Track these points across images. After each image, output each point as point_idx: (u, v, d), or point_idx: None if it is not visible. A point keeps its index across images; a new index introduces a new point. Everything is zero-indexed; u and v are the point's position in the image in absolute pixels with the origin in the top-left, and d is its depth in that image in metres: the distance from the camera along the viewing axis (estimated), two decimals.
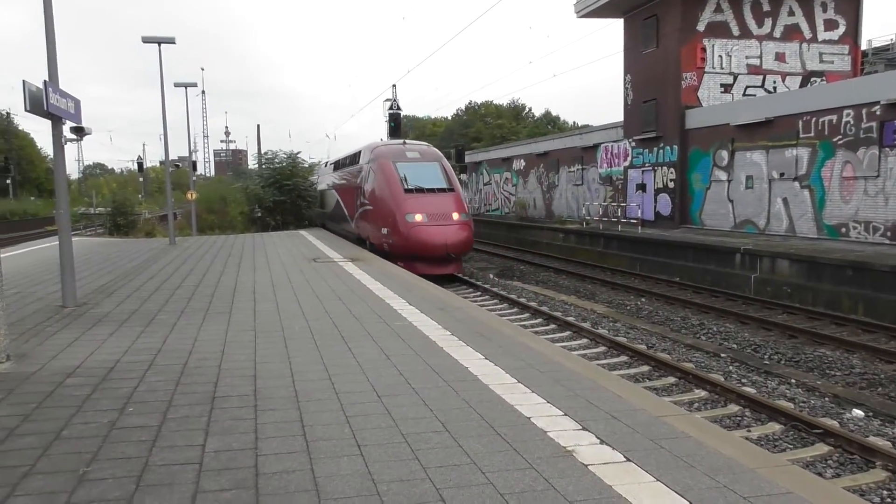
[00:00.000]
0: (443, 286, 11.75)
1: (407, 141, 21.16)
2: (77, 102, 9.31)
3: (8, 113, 68.51)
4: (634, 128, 25.26)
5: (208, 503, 3.17)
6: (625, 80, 25.92)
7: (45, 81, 8.27)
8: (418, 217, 16.54)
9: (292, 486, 3.34)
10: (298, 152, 31.10)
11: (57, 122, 8.69)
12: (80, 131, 9.41)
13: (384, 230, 17.34)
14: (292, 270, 12.59)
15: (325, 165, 29.41)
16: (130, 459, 3.69)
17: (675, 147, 23.00)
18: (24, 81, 7.86)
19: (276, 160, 30.29)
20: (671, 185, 23.37)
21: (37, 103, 8.05)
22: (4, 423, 4.33)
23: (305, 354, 6.06)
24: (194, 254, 16.72)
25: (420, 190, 17.16)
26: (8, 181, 63.57)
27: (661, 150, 23.93)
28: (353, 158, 22.32)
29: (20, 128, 71.43)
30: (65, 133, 9.00)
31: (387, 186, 17.55)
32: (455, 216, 16.92)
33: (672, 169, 23.27)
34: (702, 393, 8.31)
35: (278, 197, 28.81)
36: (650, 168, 24.62)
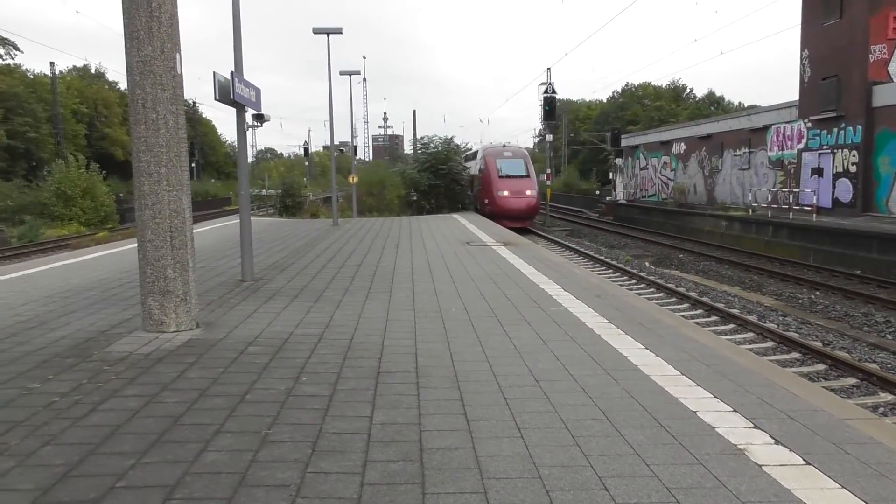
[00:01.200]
0: (549, 249, 11.49)
1: (506, 144, 31.60)
2: (258, 91, 10.04)
3: (194, 102, 75.51)
4: (811, 107, 23.26)
5: (377, 472, 3.32)
6: (801, 55, 23.91)
7: (231, 72, 8.98)
8: (505, 193, 26.77)
9: (455, 463, 3.42)
10: (452, 137, 31.77)
11: (241, 109, 9.43)
12: (260, 118, 10.15)
13: (486, 200, 27.66)
14: (447, 253, 12.87)
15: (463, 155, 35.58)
16: (305, 426, 3.96)
17: (860, 127, 20.92)
18: (214, 73, 8.59)
19: (432, 145, 31.04)
20: (853, 168, 21.31)
21: (224, 92, 8.77)
22: (197, 384, 4.79)
23: (463, 336, 6.18)
24: (355, 235, 17.57)
25: (508, 176, 27.27)
26: (192, 165, 70.21)
27: (841, 131, 21.87)
28: (474, 155, 32.91)
29: (203, 115, 78.57)
30: (247, 120, 9.75)
31: (489, 173, 27.74)
32: (528, 192, 27.24)
33: (854, 151, 21.21)
34: (888, 397, 7.56)
35: (433, 181, 29.53)
36: (828, 150, 22.59)
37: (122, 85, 79.82)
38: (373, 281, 9.59)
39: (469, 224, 20.47)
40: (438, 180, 29.62)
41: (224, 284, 9.34)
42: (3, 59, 56.02)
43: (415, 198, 30.54)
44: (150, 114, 6.25)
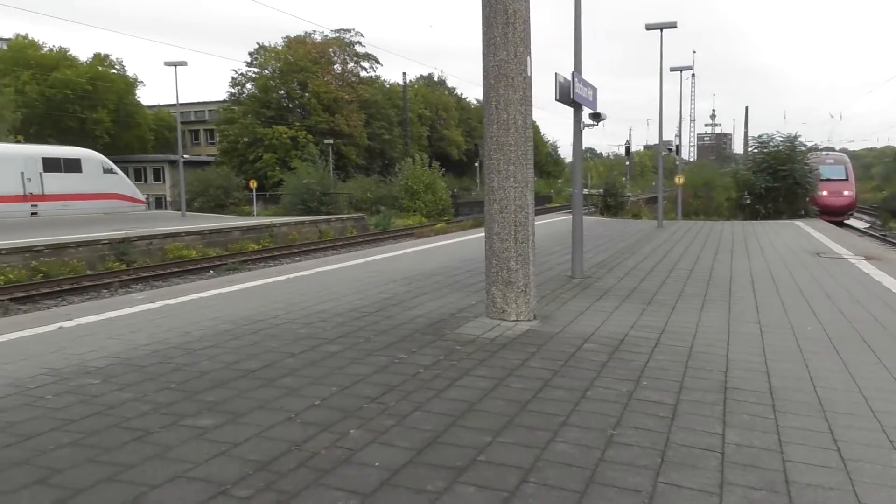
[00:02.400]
0: None
1: (829, 153, 37.56)
2: (594, 90, 10.12)
3: None
4: None
5: (737, 497, 3.06)
6: None
7: (572, 73, 9.17)
8: (825, 193, 30.10)
9: None
10: (797, 135, 28.42)
11: (578, 109, 9.59)
12: (596, 117, 10.21)
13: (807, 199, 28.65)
14: (792, 263, 11.59)
15: None
16: (652, 432, 3.83)
17: None
18: (555, 74, 8.85)
19: (771, 143, 28.26)
20: None
21: (565, 93, 8.99)
22: (539, 374, 4.96)
23: (823, 359, 5.46)
24: (682, 238, 16.80)
25: (829, 180, 31.16)
26: (476, 164, 73.86)
27: None
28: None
29: None
30: (583, 119, 9.88)
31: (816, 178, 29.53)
32: (845, 193, 31.65)
33: None
34: None
35: (771, 183, 26.91)
36: None
37: (460, 90, 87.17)
38: (707, 288, 9.03)
39: (816, 232, 18.22)
40: (777, 182, 26.86)
41: (554, 279, 9.61)
42: (367, 72, 64.98)
43: (748, 201, 28.15)
44: (501, 114, 6.64)
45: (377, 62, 64.90)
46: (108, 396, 4.42)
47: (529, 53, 6.71)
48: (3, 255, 15.40)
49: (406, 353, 5.45)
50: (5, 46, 59.53)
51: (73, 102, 53.90)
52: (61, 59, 56.56)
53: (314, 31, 61.79)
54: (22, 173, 28.29)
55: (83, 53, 75.22)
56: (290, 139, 54.21)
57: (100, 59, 59.64)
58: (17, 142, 44.52)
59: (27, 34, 59.34)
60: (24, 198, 28.58)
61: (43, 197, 29.06)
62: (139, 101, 63.57)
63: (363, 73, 64.03)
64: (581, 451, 3.55)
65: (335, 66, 61.16)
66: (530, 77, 6.73)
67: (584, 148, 10.21)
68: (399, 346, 5.68)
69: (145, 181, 59.78)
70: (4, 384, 4.73)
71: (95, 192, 31.17)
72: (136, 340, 6.04)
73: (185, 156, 37.01)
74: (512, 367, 5.11)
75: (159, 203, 55.26)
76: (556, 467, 3.35)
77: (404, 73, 78.34)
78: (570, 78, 9.16)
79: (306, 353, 5.48)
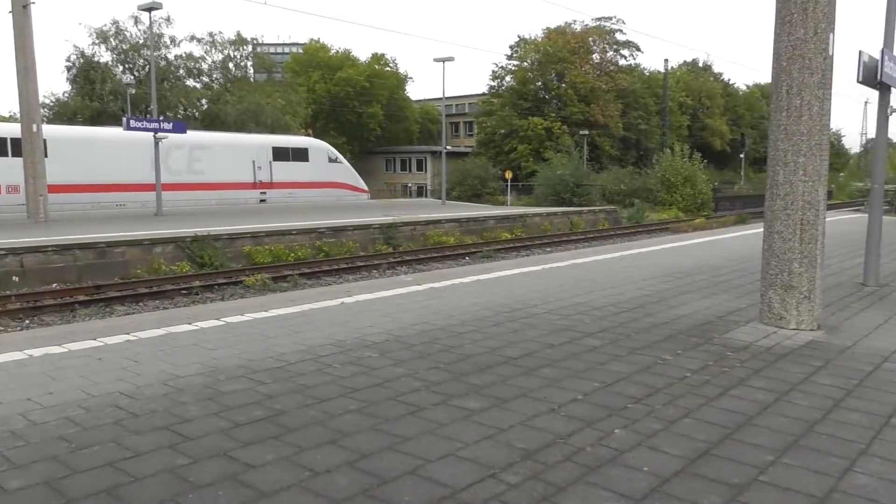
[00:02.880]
0: None
1: None
2: None
3: None
4: None
5: None
6: None
7: (881, 50, 7.96)
8: None
9: None
10: None
11: (885, 91, 8.31)
12: None
13: None
14: None
15: None
16: None
17: None
18: (859, 52, 7.75)
19: None
20: None
21: (870, 74, 7.84)
22: (828, 391, 4.39)
23: None
24: None
25: None
26: (741, 155, 66.64)
27: None
28: None
29: None
30: (892, 103, 8.55)
31: None
32: None
33: None
34: None
35: None
36: None
37: (727, 76, 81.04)
38: None
39: None
40: None
41: (841, 286, 8.49)
42: (626, 60, 63.20)
43: None
44: (793, 100, 5.96)
45: (637, 49, 63.04)
46: (385, 370, 4.79)
47: (833, 30, 5.94)
48: (294, 235, 17.64)
49: (670, 355, 5.16)
50: (301, 51, 68.11)
51: (353, 98, 60.00)
52: (345, 59, 63.25)
53: (574, 20, 61.71)
54: (253, 162, 29.09)
55: (363, 53, 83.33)
56: (544, 130, 54.86)
57: (377, 58, 65.63)
58: (307, 135, 50.78)
59: (318, 38, 67.29)
60: (255, 185, 29.40)
61: (271, 185, 29.76)
62: (408, 96, 68.83)
63: (622, 62, 62.59)
64: (889, 489, 3.06)
65: (594, 56, 60.51)
66: (832, 57, 5.96)
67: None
68: (662, 347, 5.40)
69: (409, 170, 64.72)
70: (301, 349, 5.37)
71: (320, 181, 31.52)
72: (406, 319, 6.49)
73: (447, 147, 39.29)
74: (794, 380, 4.59)
75: (420, 191, 59.43)
76: (857, 502, 2.92)
77: (666, 60, 74.82)
78: (877, 56, 7.96)
79: (566, 346, 5.45)
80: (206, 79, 49.78)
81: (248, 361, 5.03)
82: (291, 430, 3.67)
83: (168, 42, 45.81)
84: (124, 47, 45.19)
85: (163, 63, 44.77)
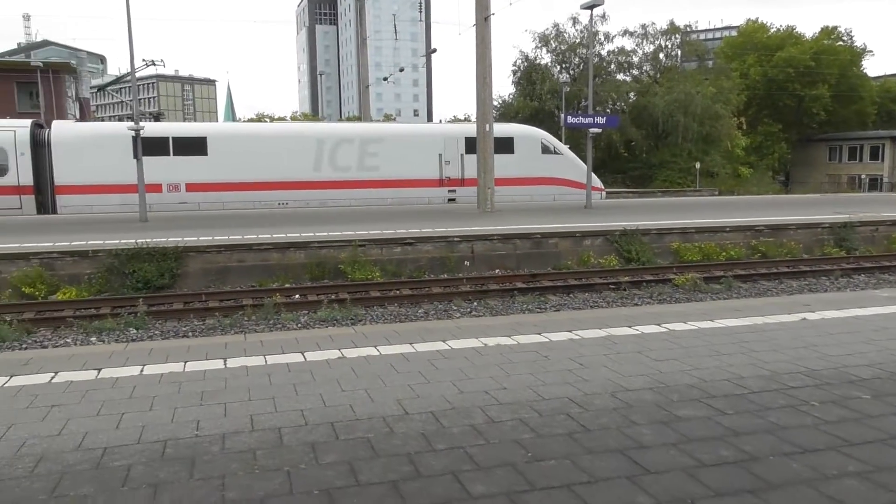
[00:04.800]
0: None
1: None
2: None
3: None
4: None
5: None
6: None
7: None
8: None
9: None
10: None
11: None
12: None
13: None
14: None
15: None
16: None
17: None
18: None
19: None
20: None
21: None
22: None
23: None
24: None
25: None
26: None
27: None
28: None
29: None
30: None
31: None
32: None
33: None
34: None
35: None
36: None
37: None
38: None
39: None
40: None
41: None
42: None
43: None
44: None
45: None
46: (888, 422, 3.71)
47: None
48: (727, 233, 16.32)
49: None
50: (735, 33, 63.81)
51: (793, 81, 53.92)
52: (787, 37, 57.14)
53: None
54: (440, 155, 25.50)
55: (809, 29, 74.37)
56: None
57: (826, 32, 57.78)
58: (739, 124, 47.34)
59: (757, 18, 62.10)
60: (441, 182, 25.65)
61: (462, 181, 25.60)
62: (864, 73, 59.14)
63: None
64: None
65: None
66: None
67: None
68: None
69: (859, 160, 55.66)
70: (762, 374, 4.57)
71: (529, 177, 26.56)
72: (883, 349, 5.13)
73: None
74: None
75: (873, 184, 50.67)
76: None
77: None
78: None
79: None
80: (635, 71, 50.19)
81: (701, 381, 4.44)
82: (773, 487, 2.97)
83: (602, 39, 47.37)
84: (562, 48, 48.22)
85: (596, 59, 46.49)
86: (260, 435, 3.60)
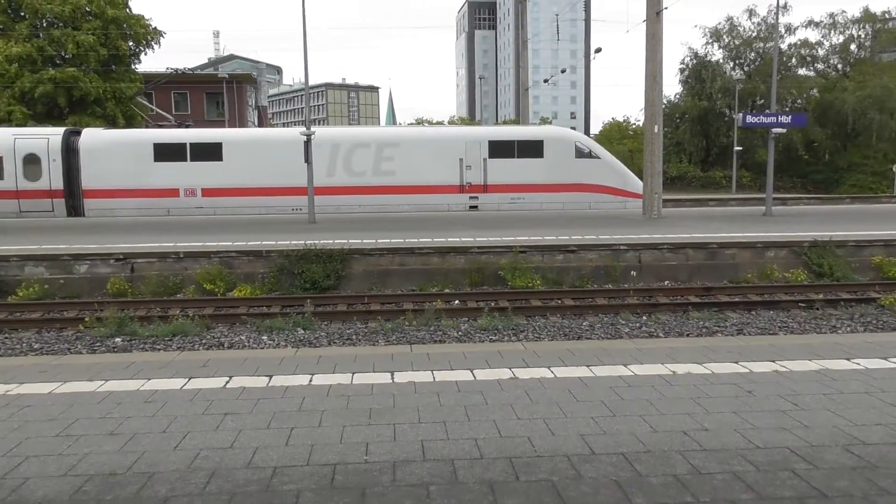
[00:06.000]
0: None
1: None
2: None
3: None
4: None
5: None
6: None
7: None
8: None
9: None
10: None
11: None
12: None
13: None
14: None
15: None
16: None
17: None
18: None
19: None
20: None
21: None
22: None
23: None
24: None
25: None
26: None
27: None
28: None
29: None
30: None
31: None
32: None
33: None
34: None
35: None
36: None
37: None
38: None
39: None
40: None
41: None
42: None
43: None
44: None
45: None
46: None
47: None
48: None
49: None
50: None
51: None
52: None
53: None
54: (460, 160, 24.30)
55: None
56: None
57: None
58: None
59: None
60: (461, 188, 24.44)
61: (485, 188, 24.42)
62: None
63: None
64: None
65: None
66: None
67: None
68: None
69: None
70: None
71: (561, 183, 24.81)
72: None
73: None
74: None
75: None
76: None
77: None
78: None
79: None
80: (819, 65, 45.86)
81: None
82: None
83: (783, 31, 43.74)
84: (736, 43, 45.08)
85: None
86: (432, 466, 3.28)
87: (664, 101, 47.34)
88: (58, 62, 31.57)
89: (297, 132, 21.91)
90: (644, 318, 10.84)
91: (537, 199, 24.14)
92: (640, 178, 22.68)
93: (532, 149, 24.28)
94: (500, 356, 5.36)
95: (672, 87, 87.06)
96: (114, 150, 22.03)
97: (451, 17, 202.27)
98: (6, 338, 9.25)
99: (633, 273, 13.50)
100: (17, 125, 26.79)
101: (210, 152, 22.77)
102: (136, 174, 22.00)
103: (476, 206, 24.10)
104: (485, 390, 4.48)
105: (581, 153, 24.82)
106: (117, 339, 8.98)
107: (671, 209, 22.43)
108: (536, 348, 5.71)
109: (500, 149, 23.57)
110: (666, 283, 13.30)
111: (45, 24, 31.61)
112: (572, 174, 24.48)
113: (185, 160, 22.49)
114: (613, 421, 3.90)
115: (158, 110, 31.84)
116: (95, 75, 31.56)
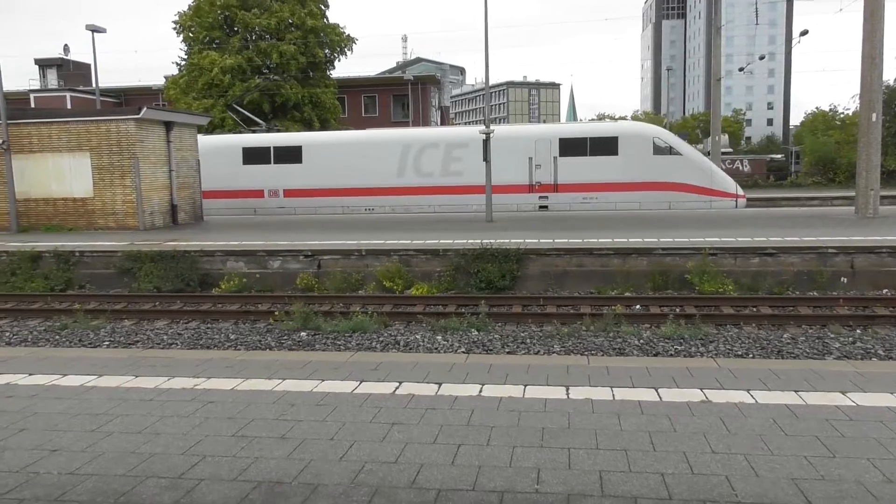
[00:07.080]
0: None
1: None
2: None
3: None
4: None
5: None
6: None
7: None
8: None
9: None
10: None
11: None
12: None
13: None
14: None
15: None
16: None
17: None
18: None
19: None
20: None
21: None
22: None
23: None
24: None
25: None
26: None
27: None
28: None
29: None
30: None
31: None
32: None
33: None
34: None
35: None
36: None
37: None
38: None
39: None
40: None
41: None
42: None
43: None
44: None
45: None
46: None
47: None
48: None
49: None
50: None
51: None
52: None
53: None
54: (530, 159, 23.15)
55: None
56: None
57: None
58: None
59: None
60: (531, 188, 23.17)
61: (556, 187, 23.15)
62: None
63: None
64: None
65: None
66: None
67: None
68: None
69: None
70: None
71: (638, 181, 22.98)
72: None
73: None
74: None
75: None
76: None
77: None
78: None
79: None
80: None
81: None
82: None
83: None
84: None
85: None
86: None
87: (883, 85, 42.08)
88: (263, 71, 34.45)
89: (371, 133, 23.54)
90: (858, 331, 9.51)
91: (611, 199, 23.28)
92: (854, 171, 20.31)
93: (606, 146, 23.37)
94: (690, 374, 4.80)
95: (893, 70, 77.30)
96: (209, 154, 23.26)
97: (636, 8, 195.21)
98: (208, 327, 10.06)
99: (844, 280, 11.95)
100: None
101: (291, 155, 24.09)
102: (227, 176, 23.61)
103: (546, 207, 23.54)
104: (672, 414, 3.99)
105: (660, 149, 23.44)
106: (302, 334, 9.42)
107: (889, 207, 19.76)
108: (732, 366, 5.06)
109: (571, 146, 23.42)
110: (885, 291, 11.63)
111: (253, 38, 34.63)
112: (650, 172, 23.21)
113: (269, 163, 23.91)
114: (833, 463, 3.26)
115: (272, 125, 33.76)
116: (295, 82, 34.07)
